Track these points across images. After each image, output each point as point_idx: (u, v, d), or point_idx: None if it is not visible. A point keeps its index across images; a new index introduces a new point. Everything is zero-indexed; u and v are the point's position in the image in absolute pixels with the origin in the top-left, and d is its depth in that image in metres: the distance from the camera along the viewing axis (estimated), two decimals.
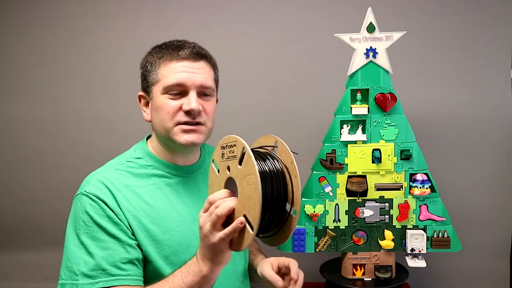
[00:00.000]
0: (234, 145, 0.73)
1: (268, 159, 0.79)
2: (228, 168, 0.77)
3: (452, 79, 1.52)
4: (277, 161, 0.79)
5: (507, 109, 1.50)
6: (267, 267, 1.03)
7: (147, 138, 1.06)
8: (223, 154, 0.76)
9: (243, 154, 0.73)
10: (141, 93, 1.02)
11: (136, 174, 0.97)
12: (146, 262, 0.92)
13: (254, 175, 0.70)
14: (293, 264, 1.00)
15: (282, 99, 1.57)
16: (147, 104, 1.01)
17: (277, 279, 0.98)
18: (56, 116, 1.64)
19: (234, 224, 0.74)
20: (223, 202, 0.75)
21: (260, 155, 0.79)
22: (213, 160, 0.82)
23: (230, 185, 0.78)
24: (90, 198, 0.89)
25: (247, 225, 0.73)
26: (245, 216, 0.73)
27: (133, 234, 0.90)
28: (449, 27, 1.51)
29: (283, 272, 1.03)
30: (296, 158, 0.80)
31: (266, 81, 1.57)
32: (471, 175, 1.52)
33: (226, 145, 0.76)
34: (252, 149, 0.73)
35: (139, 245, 0.91)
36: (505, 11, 1.49)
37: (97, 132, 1.63)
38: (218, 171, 0.80)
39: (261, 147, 0.83)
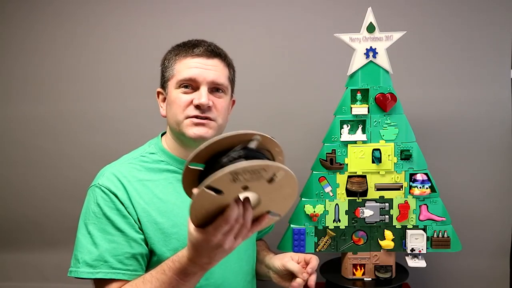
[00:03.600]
0: (264, 170, 0.67)
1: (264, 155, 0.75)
2: (245, 187, 0.70)
3: (452, 79, 1.52)
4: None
5: (507, 109, 1.50)
6: (289, 259, 1.02)
7: (162, 135, 1.08)
8: (235, 179, 0.67)
9: (274, 175, 0.69)
10: (159, 89, 1.06)
11: (149, 168, 0.99)
12: (151, 255, 0.94)
13: (293, 191, 0.73)
14: (314, 259, 1.00)
15: (282, 99, 1.57)
16: (164, 100, 1.04)
17: (302, 271, 0.98)
18: (59, 116, 1.64)
19: (263, 224, 0.77)
20: (240, 215, 0.72)
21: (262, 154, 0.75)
22: (210, 187, 0.67)
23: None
24: (102, 190, 0.93)
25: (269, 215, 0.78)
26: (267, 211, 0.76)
27: (140, 228, 0.93)
28: (449, 27, 1.51)
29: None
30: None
31: (266, 81, 1.57)
32: (471, 175, 1.52)
33: (245, 171, 0.66)
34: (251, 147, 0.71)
35: (146, 239, 0.93)
36: (505, 11, 1.48)
37: (100, 132, 1.63)
38: (219, 193, 0.69)
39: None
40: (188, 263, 0.79)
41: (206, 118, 0.97)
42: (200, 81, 0.97)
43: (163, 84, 1.03)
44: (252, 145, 0.72)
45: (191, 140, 0.98)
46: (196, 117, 0.96)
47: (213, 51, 1.00)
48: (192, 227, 0.74)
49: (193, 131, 0.96)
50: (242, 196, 0.73)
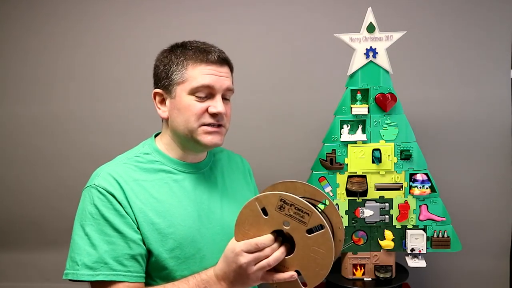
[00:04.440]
0: (307, 213, 0.76)
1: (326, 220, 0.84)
2: (286, 223, 0.79)
3: (452, 79, 1.52)
4: (330, 225, 0.85)
5: (507, 109, 1.50)
6: None
7: (156, 136, 1.07)
8: (281, 207, 0.78)
9: (317, 228, 0.77)
10: (158, 90, 1.02)
11: (144, 168, 0.99)
12: (149, 255, 0.94)
13: (327, 254, 0.78)
14: None
15: (282, 99, 1.57)
16: (162, 101, 1.02)
17: None
18: (56, 116, 1.65)
19: (287, 276, 0.82)
20: (272, 251, 0.81)
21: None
22: (258, 200, 0.81)
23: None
24: (99, 191, 0.91)
25: (298, 280, 0.83)
26: (297, 271, 0.82)
27: (138, 228, 0.92)
28: (449, 27, 1.51)
29: None
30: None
31: (266, 81, 1.57)
32: (471, 175, 1.52)
33: (293, 204, 0.77)
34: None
35: (143, 239, 0.92)
36: (505, 12, 1.49)
37: (97, 132, 1.63)
38: (265, 214, 0.81)
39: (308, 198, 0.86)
40: (211, 277, 0.86)
41: (218, 125, 0.98)
42: (217, 89, 0.97)
43: (167, 86, 0.99)
44: (320, 205, 0.82)
45: (202, 147, 0.99)
46: (211, 125, 0.97)
47: (225, 59, 1.00)
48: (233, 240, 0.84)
49: (208, 139, 0.97)
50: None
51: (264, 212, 0.79)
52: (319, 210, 0.83)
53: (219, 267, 0.86)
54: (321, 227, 0.76)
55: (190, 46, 1.00)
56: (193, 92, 0.96)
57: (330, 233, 0.76)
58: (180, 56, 0.98)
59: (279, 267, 0.82)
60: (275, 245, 0.81)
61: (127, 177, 0.95)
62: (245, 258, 0.81)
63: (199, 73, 0.96)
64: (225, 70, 0.99)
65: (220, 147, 1.18)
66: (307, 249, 0.79)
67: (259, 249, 0.80)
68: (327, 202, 0.86)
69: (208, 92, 0.97)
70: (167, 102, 1.00)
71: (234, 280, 0.84)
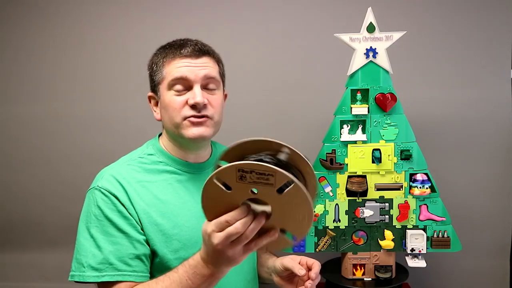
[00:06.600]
0: (271, 175, 0.67)
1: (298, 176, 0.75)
2: (254, 190, 0.71)
3: (452, 79, 1.52)
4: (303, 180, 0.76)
5: (507, 109, 1.50)
6: (288, 259, 1.02)
7: (159, 136, 1.08)
8: (242, 177, 0.68)
9: (286, 185, 0.68)
10: (150, 94, 1.05)
11: (147, 169, 0.99)
12: (153, 256, 0.94)
13: (304, 205, 0.69)
14: (316, 265, 0.99)
15: (282, 99, 1.57)
16: (156, 104, 1.03)
17: (298, 267, 0.97)
18: (57, 117, 1.64)
19: (268, 237, 0.74)
20: (244, 224, 0.72)
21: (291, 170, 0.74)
22: (216, 178, 0.70)
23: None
24: (102, 193, 0.92)
25: (285, 236, 0.75)
26: (283, 229, 0.74)
27: (142, 229, 0.92)
28: (449, 27, 1.51)
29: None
30: None
31: (266, 81, 1.57)
32: (471, 175, 1.52)
33: (252, 171, 0.68)
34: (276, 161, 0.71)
35: (147, 240, 0.92)
36: (505, 11, 1.49)
37: (98, 132, 1.63)
38: (228, 189, 0.71)
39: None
40: (199, 261, 0.79)
41: (203, 116, 0.96)
42: (192, 79, 0.95)
43: (154, 88, 1.02)
44: (282, 156, 0.72)
45: (190, 141, 0.97)
46: (194, 117, 0.95)
47: (201, 50, 0.98)
48: (206, 221, 0.75)
49: (192, 131, 0.95)
50: (257, 207, 0.73)
51: (227, 186, 0.70)
52: (283, 162, 0.73)
53: (203, 250, 0.79)
54: (290, 182, 0.68)
55: (168, 45, 1.01)
56: (170, 87, 0.96)
57: (301, 184, 0.68)
58: (159, 56, 1.00)
59: (264, 231, 0.74)
60: (247, 218, 0.72)
61: (130, 179, 0.95)
62: (217, 239, 0.73)
63: (173, 68, 0.96)
64: (202, 61, 0.98)
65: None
66: (284, 207, 0.71)
67: (230, 225, 0.72)
68: (287, 150, 0.76)
69: (185, 85, 0.96)
70: (158, 103, 1.02)
71: (216, 262, 0.77)
